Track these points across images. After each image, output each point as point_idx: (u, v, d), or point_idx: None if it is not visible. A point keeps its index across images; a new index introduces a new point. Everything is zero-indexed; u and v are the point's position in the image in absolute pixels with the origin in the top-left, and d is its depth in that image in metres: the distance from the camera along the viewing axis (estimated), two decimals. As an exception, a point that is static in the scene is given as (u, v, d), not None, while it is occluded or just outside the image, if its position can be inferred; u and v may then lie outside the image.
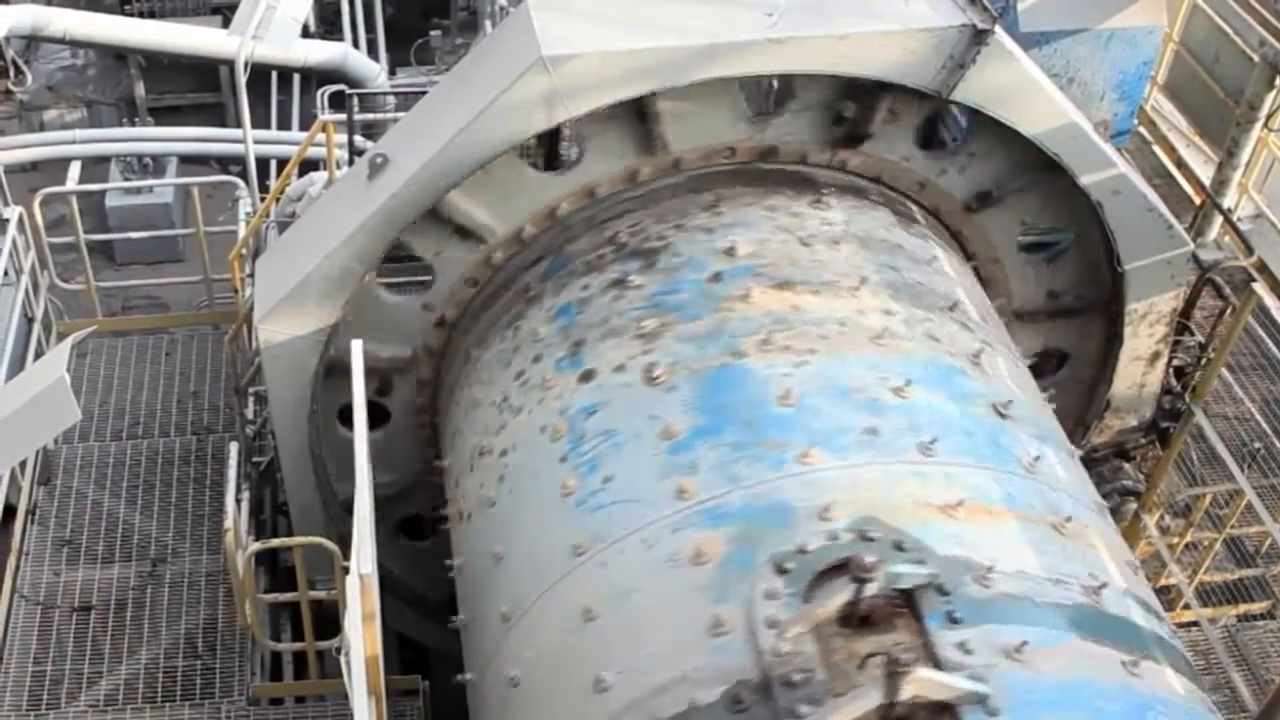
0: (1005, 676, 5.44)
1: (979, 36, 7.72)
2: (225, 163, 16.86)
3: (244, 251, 10.73)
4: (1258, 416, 10.14)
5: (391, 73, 17.75)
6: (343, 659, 5.81)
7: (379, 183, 7.94)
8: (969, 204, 8.61)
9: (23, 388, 7.74)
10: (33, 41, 17.48)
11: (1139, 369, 9.24)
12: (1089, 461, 9.08)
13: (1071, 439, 9.18)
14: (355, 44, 17.37)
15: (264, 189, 12.91)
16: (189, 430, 10.96)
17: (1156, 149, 13.46)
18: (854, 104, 8.15)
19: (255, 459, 9.78)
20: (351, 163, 10.58)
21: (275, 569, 9.60)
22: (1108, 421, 9.49)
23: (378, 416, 8.80)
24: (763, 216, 7.90)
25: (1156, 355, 9.20)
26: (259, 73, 14.42)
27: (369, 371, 7.33)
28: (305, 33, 15.67)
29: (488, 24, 15.80)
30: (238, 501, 8.58)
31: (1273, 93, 11.69)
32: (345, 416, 8.36)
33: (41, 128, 17.93)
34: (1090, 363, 9.34)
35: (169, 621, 9.39)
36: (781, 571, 5.86)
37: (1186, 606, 9.61)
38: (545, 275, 8.13)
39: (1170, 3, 12.19)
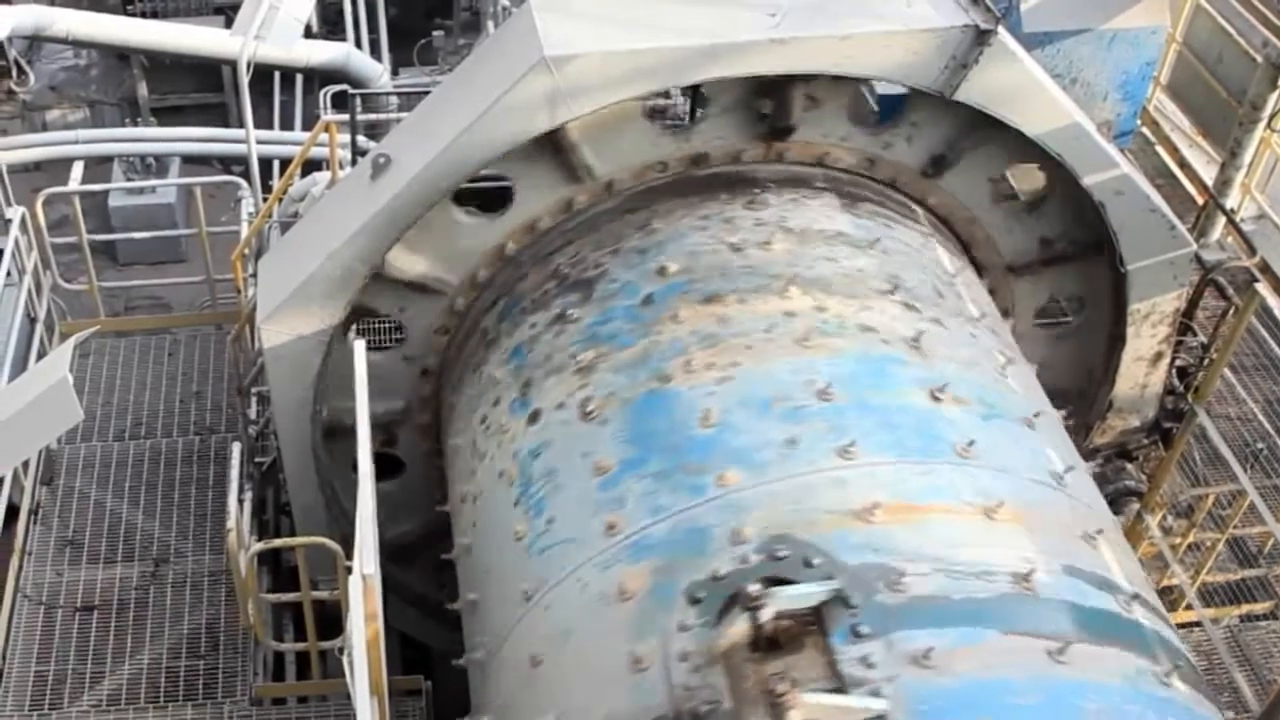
0: (907, 686, 5.34)
1: (982, 37, 7.71)
2: (228, 163, 16.88)
3: (246, 252, 10.73)
4: (1260, 417, 10.15)
5: (394, 73, 17.76)
6: (345, 659, 5.82)
7: (382, 183, 7.94)
8: (925, 170, 8.48)
9: (25, 388, 7.74)
10: (35, 41, 17.45)
11: (1142, 369, 9.23)
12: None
13: (1097, 388, 9.08)
14: (358, 44, 17.37)
15: (266, 189, 12.90)
16: (192, 430, 10.96)
17: (1159, 149, 13.46)
18: (768, 99, 8.08)
19: (258, 459, 9.78)
20: (354, 163, 10.57)
21: (278, 569, 9.60)
22: (1110, 422, 9.49)
23: (389, 467, 8.90)
24: (695, 228, 7.80)
25: (1159, 355, 9.19)
26: (261, 73, 14.45)
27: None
28: (308, 33, 15.65)
29: (490, 24, 15.82)
30: (240, 501, 8.59)
31: (1276, 93, 11.69)
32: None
33: (44, 128, 17.93)
34: (1104, 305, 9.07)
35: (172, 622, 9.39)
36: (694, 602, 5.82)
37: (1189, 607, 9.60)
38: (501, 316, 8.15)
39: (1173, 3, 12.17)
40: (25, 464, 9.97)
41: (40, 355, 10.78)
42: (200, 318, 12.52)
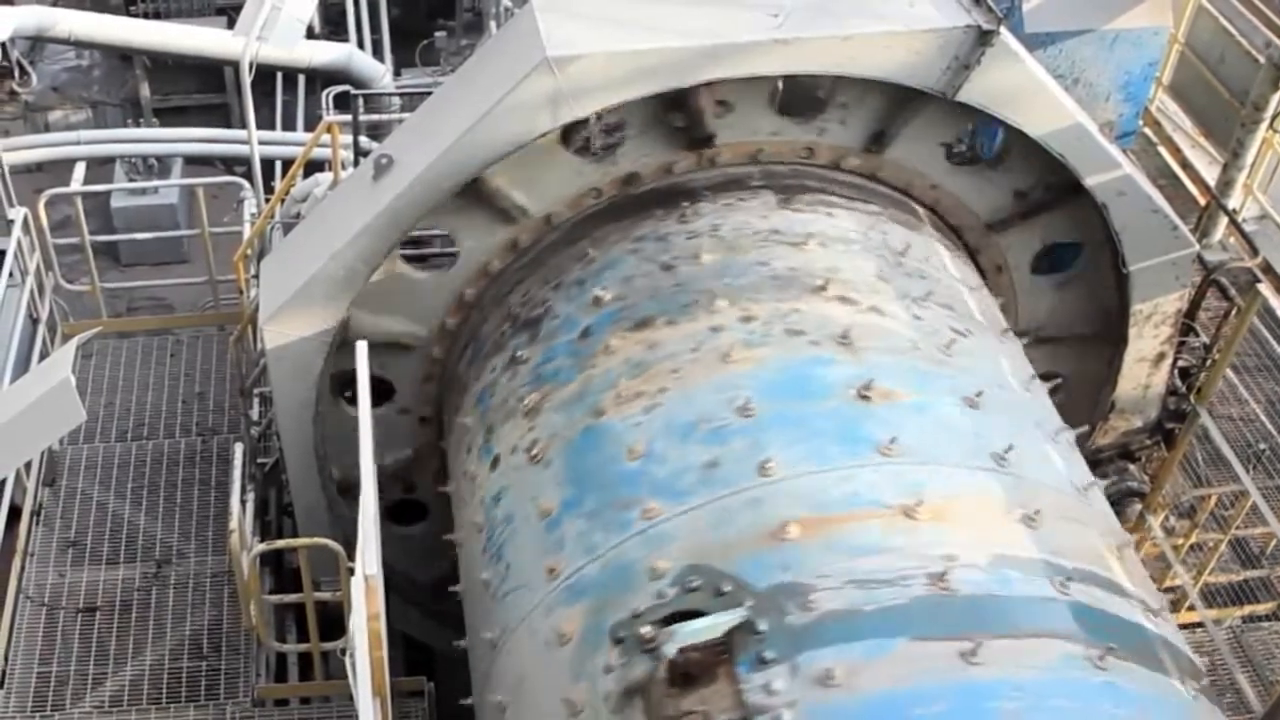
0: (808, 710, 5.28)
1: (984, 37, 7.71)
2: (230, 163, 16.88)
3: (249, 252, 10.72)
4: (1262, 417, 10.15)
5: (396, 73, 17.78)
6: (348, 660, 5.82)
7: (384, 183, 7.95)
8: (868, 147, 8.37)
9: (28, 389, 7.74)
10: (38, 42, 17.48)
11: (1144, 370, 9.23)
12: (1094, 463, 9.01)
13: (1117, 325, 8.83)
14: (360, 45, 17.39)
15: (269, 190, 12.92)
16: (194, 431, 10.96)
17: (1162, 150, 13.46)
18: (679, 113, 8.00)
19: (260, 460, 9.79)
20: (356, 164, 10.57)
21: (280, 570, 9.60)
22: (1113, 423, 9.48)
23: (415, 513, 9.16)
24: (629, 251, 7.75)
25: (1161, 356, 9.19)
26: (264, 73, 14.47)
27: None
28: (310, 33, 15.68)
29: (493, 25, 15.83)
30: (243, 502, 8.59)
31: (1278, 94, 11.68)
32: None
33: (46, 128, 17.95)
34: (1100, 245, 8.81)
35: (174, 623, 9.39)
36: (617, 641, 5.80)
37: (1191, 608, 9.60)
38: (470, 361, 8.21)
39: (1175, 4, 12.16)
40: (27, 465, 9.97)
41: (43, 356, 10.79)
42: (203, 319, 12.51)
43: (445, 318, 8.43)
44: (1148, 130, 13.25)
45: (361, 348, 6.85)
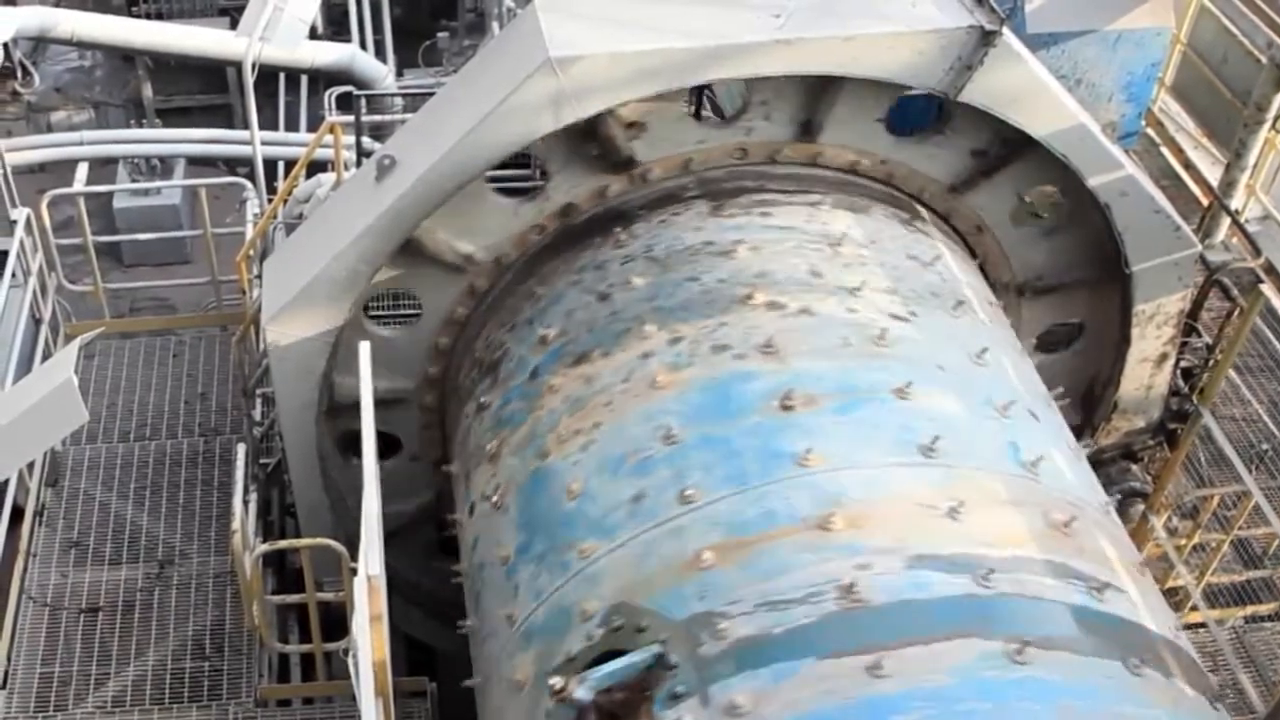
0: None
1: (986, 38, 7.71)
2: (233, 164, 16.87)
3: (251, 253, 10.72)
4: (1265, 418, 10.15)
5: (399, 74, 17.77)
6: (350, 660, 5.81)
7: (387, 184, 7.95)
8: (800, 137, 8.27)
9: (30, 389, 7.76)
10: (40, 43, 17.49)
11: (1146, 370, 9.23)
12: (1096, 463, 9.01)
13: (1101, 274, 8.69)
14: (363, 45, 17.38)
15: (271, 190, 12.92)
16: (196, 432, 10.97)
17: (1164, 150, 13.47)
18: (593, 144, 8.00)
19: (263, 460, 9.79)
20: (359, 164, 10.58)
21: (283, 570, 9.60)
22: (1115, 423, 9.48)
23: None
24: (571, 284, 7.75)
25: (1164, 357, 9.19)
26: (266, 74, 14.48)
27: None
28: (313, 34, 15.65)
29: (495, 25, 15.82)
30: (245, 503, 8.59)
31: (1280, 94, 11.68)
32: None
33: (49, 129, 17.94)
34: (1075, 185, 8.47)
35: (177, 623, 9.40)
36: (553, 689, 5.79)
37: (1194, 608, 9.60)
38: (453, 409, 8.30)
39: (1178, 4, 12.17)
40: (30, 465, 9.98)
41: (45, 357, 10.79)
42: (205, 319, 12.53)
43: (427, 367, 8.56)
44: (1150, 131, 13.26)
45: (365, 348, 6.84)
